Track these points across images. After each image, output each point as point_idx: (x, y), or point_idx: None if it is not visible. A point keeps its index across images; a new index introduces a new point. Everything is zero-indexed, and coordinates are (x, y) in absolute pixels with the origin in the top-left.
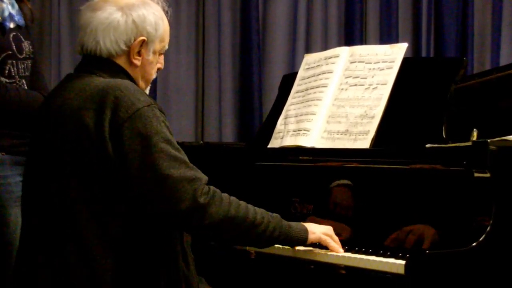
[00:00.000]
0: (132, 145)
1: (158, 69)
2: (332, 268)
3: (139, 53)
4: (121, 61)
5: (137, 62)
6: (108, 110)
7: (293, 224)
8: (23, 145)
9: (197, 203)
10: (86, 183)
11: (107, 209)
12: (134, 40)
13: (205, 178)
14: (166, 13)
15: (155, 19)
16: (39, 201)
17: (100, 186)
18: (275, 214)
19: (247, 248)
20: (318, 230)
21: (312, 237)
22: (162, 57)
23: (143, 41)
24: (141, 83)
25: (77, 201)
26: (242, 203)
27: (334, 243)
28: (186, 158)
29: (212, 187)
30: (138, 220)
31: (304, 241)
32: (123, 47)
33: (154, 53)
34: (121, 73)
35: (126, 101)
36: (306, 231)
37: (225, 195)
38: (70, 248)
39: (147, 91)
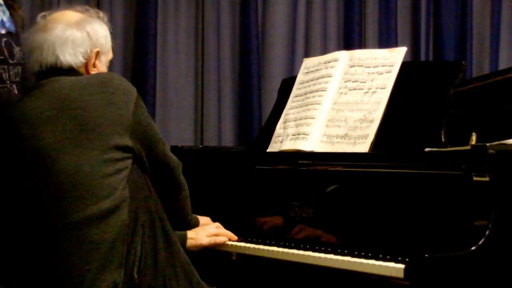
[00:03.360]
0: (146, 127)
1: None
2: (330, 272)
3: (94, 65)
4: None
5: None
6: (117, 94)
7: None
8: None
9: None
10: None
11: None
12: (90, 52)
13: None
14: (108, 28)
15: (105, 33)
16: (25, 200)
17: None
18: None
19: (229, 250)
20: (200, 234)
21: (191, 242)
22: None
23: (98, 52)
24: None
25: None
26: None
27: (220, 238)
28: None
29: None
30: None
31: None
32: (82, 59)
33: (105, 64)
34: None
35: (126, 86)
36: (185, 237)
37: None
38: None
39: None
